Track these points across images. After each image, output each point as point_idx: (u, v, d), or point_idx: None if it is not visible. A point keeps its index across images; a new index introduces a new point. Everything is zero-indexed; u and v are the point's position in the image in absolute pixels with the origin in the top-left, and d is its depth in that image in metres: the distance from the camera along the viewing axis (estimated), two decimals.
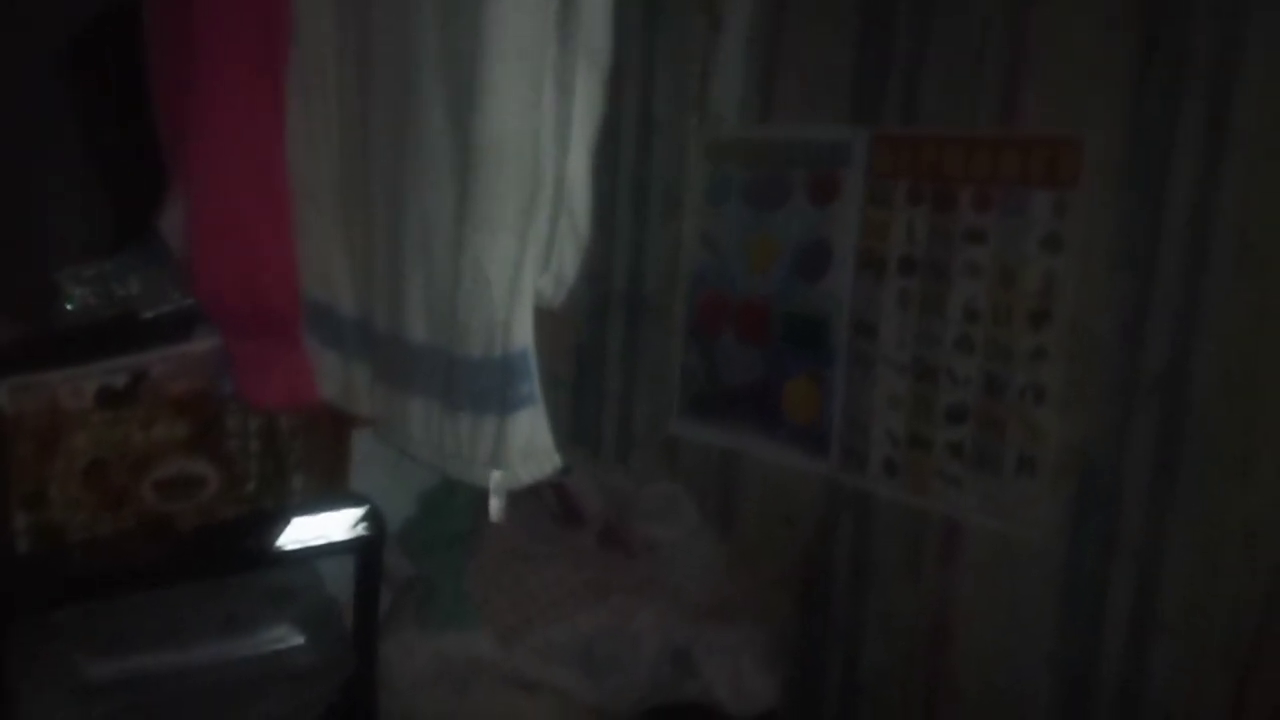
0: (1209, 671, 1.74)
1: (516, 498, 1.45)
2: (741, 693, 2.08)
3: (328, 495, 1.81)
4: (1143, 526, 1.79)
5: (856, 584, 2.19)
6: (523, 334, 1.37)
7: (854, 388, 2.14)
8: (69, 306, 1.67)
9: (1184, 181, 1.70)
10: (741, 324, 2.32)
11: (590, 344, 2.55)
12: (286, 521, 1.72)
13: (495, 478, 1.40)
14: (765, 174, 2.24)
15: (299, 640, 1.71)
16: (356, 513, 1.78)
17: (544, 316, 1.42)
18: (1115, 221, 1.78)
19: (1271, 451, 1.66)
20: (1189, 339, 1.71)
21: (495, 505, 1.41)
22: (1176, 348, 1.73)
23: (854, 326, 2.13)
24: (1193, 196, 1.70)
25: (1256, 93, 1.63)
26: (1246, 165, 1.65)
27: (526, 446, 1.39)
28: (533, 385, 1.38)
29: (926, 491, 2.04)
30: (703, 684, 2.06)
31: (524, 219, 1.36)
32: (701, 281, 2.39)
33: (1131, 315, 1.77)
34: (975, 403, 1.96)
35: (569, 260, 1.51)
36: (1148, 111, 1.73)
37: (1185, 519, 1.74)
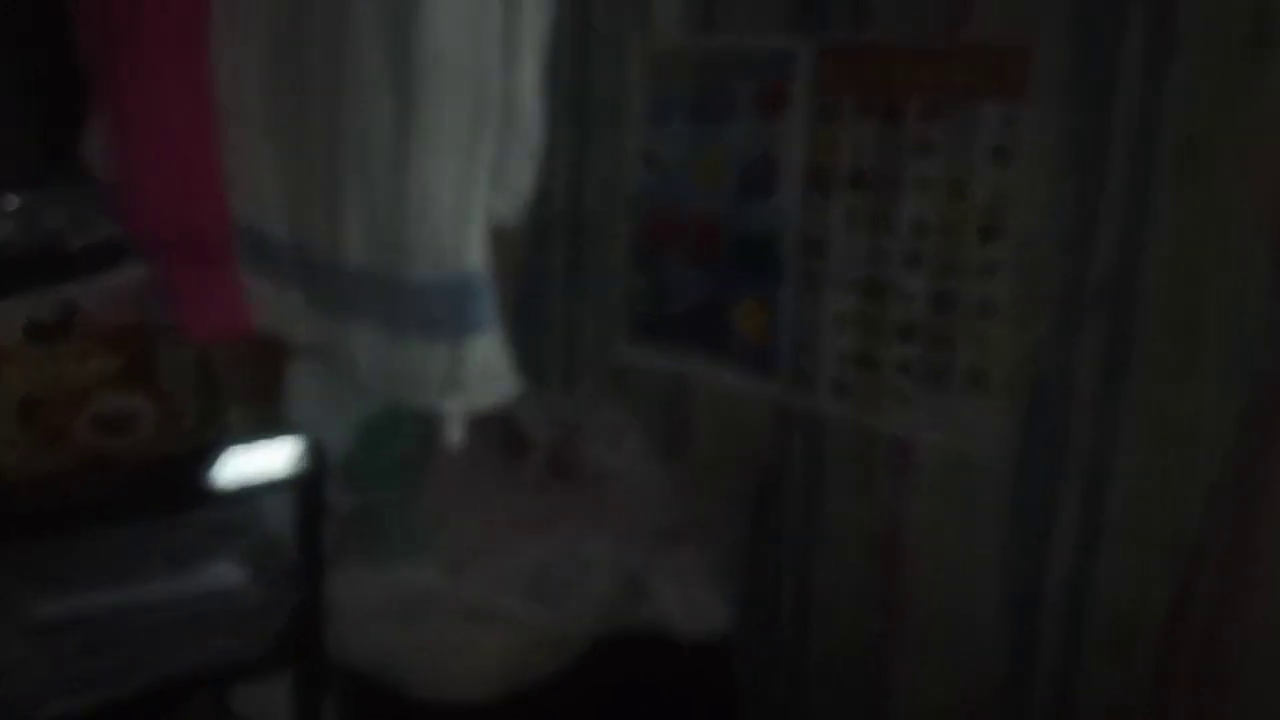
0: (1154, 572, 1.77)
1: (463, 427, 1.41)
2: (694, 615, 2.08)
3: (265, 428, 1.76)
4: (1091, 435, 1.81)
5: (808, 504, 2.19)
6: (475, 255, 1.32)
7: (803, 307, 2.12)
8: None
9: (1130, 88, 1.70)
10: (688, 244, 2.27)
11: (531, 267, 2.49)
12: (226, 457, 1.68)
13: (451, 405, 1.37)
14: (709, 87, 2.19)
15: (243, 577, 1.68)
16: (297, 445, 1.73)
17: (488, 238, 1.38)
18: (1062, 131, 1.77)
19: (1211, 353, 1.67)
20: (1135, 247, 1.72)
21: (452, 433, 1.37)
22: (1124, 256, 1.73)
23: (803, 244, 2.10)
24: (1139, 104, 1.69)
25: None
26: (1191, 70, 1.64)
27: (483, 370, 1.35)
28: (487, 308, 1.34)
29: (877, 410, 2.04)
30: (655, 609, 2.06)
31: (471, 136, 1.30)
32: (645, 200, 2.34)
33: (1079, 225, 1.77)
34: (925, 319, 1.95)
35: (522, 177, 1.46)
36: (1093, 19, 1.72)
37: (1131, 425, 1.76)
